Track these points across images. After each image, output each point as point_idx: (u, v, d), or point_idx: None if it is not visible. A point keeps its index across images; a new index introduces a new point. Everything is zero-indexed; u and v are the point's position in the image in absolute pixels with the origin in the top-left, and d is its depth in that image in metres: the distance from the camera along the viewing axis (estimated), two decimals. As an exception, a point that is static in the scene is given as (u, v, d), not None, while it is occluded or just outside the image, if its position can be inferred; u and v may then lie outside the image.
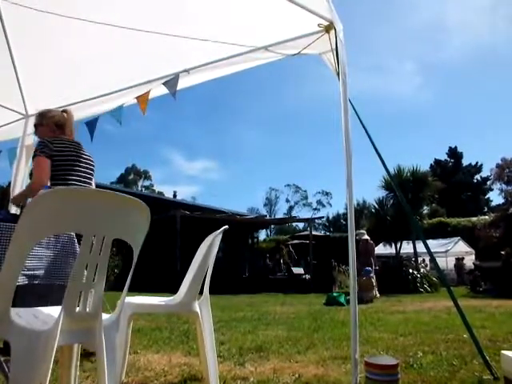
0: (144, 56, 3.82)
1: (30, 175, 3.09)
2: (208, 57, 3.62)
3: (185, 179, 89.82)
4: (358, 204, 45.00)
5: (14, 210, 4.40)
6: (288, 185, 67.27)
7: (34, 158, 2.90)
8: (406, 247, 17.01)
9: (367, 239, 11.26)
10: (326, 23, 2.95)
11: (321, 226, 61.57)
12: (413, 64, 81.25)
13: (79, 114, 4.37)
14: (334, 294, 9.69)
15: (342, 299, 9.17)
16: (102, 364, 1.59)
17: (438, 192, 19.09)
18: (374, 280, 10.46)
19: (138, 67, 3.96)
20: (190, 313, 2.70)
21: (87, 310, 1.59)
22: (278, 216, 60.22)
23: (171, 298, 2.75)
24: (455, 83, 79.96)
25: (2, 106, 4.56)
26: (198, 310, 2.69)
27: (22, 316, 1.57)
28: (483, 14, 70.94)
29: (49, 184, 2.83)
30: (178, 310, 2.89)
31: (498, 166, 29.63)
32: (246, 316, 6.95)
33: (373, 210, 18.77)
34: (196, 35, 3.35)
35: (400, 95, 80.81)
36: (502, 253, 12.77)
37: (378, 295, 10.63)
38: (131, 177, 61.73)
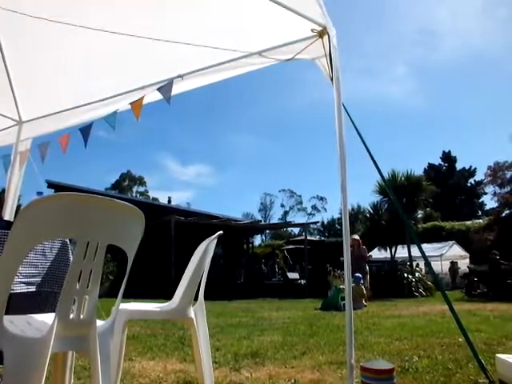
0: (138, 62, 3.82)
1: None
2: (202, 62, 3.62)
3: (179, 185, 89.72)
4: (352, 209, 45.13)
5: (7, 216, 4.39)
6: (283, 190, 67.40)
7: None
8: (401, 251, 17.02)
9: (358, 243, 11.19)
10: (320, 28, 2.96)
11: (316, 231, 61.64)
12: (405, 68, 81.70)
13: (73, 120, 4.37)
14: (334, 293, 9.59)
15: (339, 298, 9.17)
16: (96, 371, 1.58)
17: (433, 196, 19.18)
18: (363, 288, 10.12)
19: (131, 73, 3.96)
20: (185, 319, 2.69)
21: (81, 316, 1.58)
22: (272, 221, 60.37)
23: (166, 304, 2.73)
24: (447, 87, 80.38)
25: (-5, 113, 4.55)
26: (193, 315, 2.68)
27: (16, 323, 1.56)
28: (474, 18, 71.50)
29: None
30: (173, 316, 2.88)
31: (489, 168, 29.86)
32: (241, 322, 6.93)
33: (367, 215, 18.80)
34: (190, 41, 3.35)
35: (392, 99, 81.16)
36: (494, 255, 12.81)
37: (366, 304, 10.04)
38: (126, 183, 61.57)
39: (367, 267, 11.35)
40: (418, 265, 17.44)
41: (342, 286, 9.66)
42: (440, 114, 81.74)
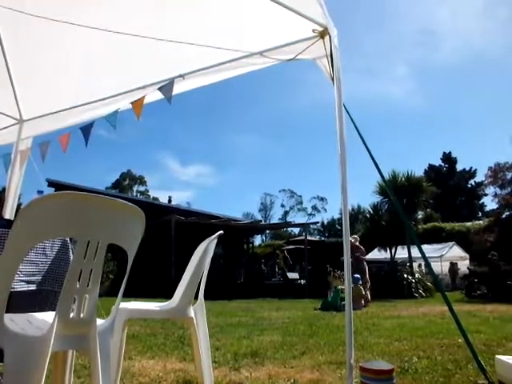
0: (139, 61, 3.82)
1: None
2: (203, 62, 3.62)
3: (180, 184, 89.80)
4: (352, 209, 45.18)
5: (8, 215, 4.40)
6: (283, 190, 67.42)
7: None
8: (401, 252, 17.03)
9: (357, 245, 11.20)
10: (321, 29, 2.96)
11: (316, 232, 61.67)
12: (405, 68, 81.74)
13: (74, 119, 4.37)
14: (338, 295, 9.59)
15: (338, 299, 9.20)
16: (96, 370, 1.58)
17: (433, 197, 19.17)
18: (362, 288, 10.11)
19: (133, 72, 3.96)
20: (184, 318, 2.69)
21: (81, 315, 1.58)
22: (273, 221, 60.33)
23: (166, 303, 2.74)
24: (448, 87, 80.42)
25: (-4, 112, 4.54)
26: (192, 315, 2.68)
27: (16, 322, 1.56)
28: (474, 18, 71.52)
29: None
30: (173, 315, 2.88)
31: (490, 169, 29.85)
32: (241, 321, 6.93)
33: (368, 215, 18.81)
34: (191, 41, 3.35)
35: (393, 99, 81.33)
36: (489, 257, 12.83)
37: (365, 305, 10.03)
38: (126, 182, 61.58)
39: (366, 267, 11.33)
40: (420, 265, 17.43)
41: (340, 287, 9.71)
42: (440, 114, 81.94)
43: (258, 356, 3.92)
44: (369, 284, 11.02)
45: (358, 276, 10.23)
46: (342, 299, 9.07)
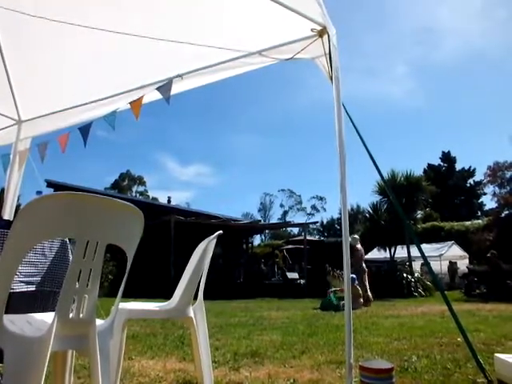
0: (137, 61, 3.82)
1: None
2: (201, 62, 3.62)
3: (179, 185, 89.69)
4: (352, 209, 45.23)
5: (7, 216, 4.39)
6: (282, 190, 67.42)
7: None
8: (401, 252, 17.04)
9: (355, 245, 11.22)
10: (319, 28, 2.96)
11: (315, 231, 61.67)
12: (405, 67, 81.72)
13: (72, 119, 4.37)
14: (332, 298, 9.61)
15: (335, 300, 9.22)
16: (95, 370, 1.58)
17: (432, 196, 19.19)
18: (359, 288, 10.08)
19: (131, 72, 3.96)
20: (184, 318, 2.69)
21: (81, 315, 1.58)
22: (272, 221, 60.26)
23: (166, 303, 2.74)
24: (447, 87, 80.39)
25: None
26: (192, 315, 2.69)
27: (16, 323, 1.56)
28: (474, 18, 71.51)
29: None
30: (173, 316, 2.89)
31: (489, 168, 29.95)
32: (240, 321, 6.93)
33: (367, 215, 18.83)
34: (189, 40, 3.35)
35: (393, 99, 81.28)
36: (488, 255, 12.85)
37: (365, 305, 10.03)
38: (125, 182, 61.53)
39: (365, 267, 11.33)
40: (422, 264, 17.41)
41: (333, 289, 9.84)
42: (439, 113, 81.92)
43: (257, 356, 3.92)
44: (367, 284, 11.01)
45: (354, 276, 10.26)
46: (339, 299, 9.11)
